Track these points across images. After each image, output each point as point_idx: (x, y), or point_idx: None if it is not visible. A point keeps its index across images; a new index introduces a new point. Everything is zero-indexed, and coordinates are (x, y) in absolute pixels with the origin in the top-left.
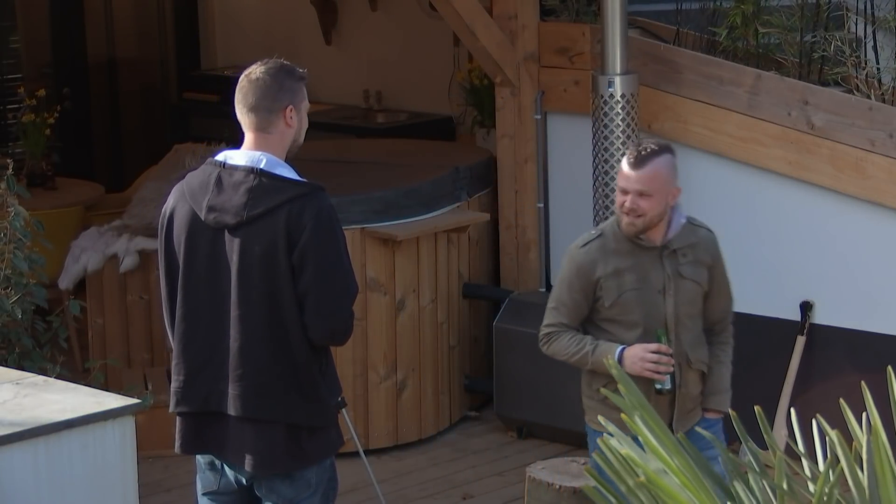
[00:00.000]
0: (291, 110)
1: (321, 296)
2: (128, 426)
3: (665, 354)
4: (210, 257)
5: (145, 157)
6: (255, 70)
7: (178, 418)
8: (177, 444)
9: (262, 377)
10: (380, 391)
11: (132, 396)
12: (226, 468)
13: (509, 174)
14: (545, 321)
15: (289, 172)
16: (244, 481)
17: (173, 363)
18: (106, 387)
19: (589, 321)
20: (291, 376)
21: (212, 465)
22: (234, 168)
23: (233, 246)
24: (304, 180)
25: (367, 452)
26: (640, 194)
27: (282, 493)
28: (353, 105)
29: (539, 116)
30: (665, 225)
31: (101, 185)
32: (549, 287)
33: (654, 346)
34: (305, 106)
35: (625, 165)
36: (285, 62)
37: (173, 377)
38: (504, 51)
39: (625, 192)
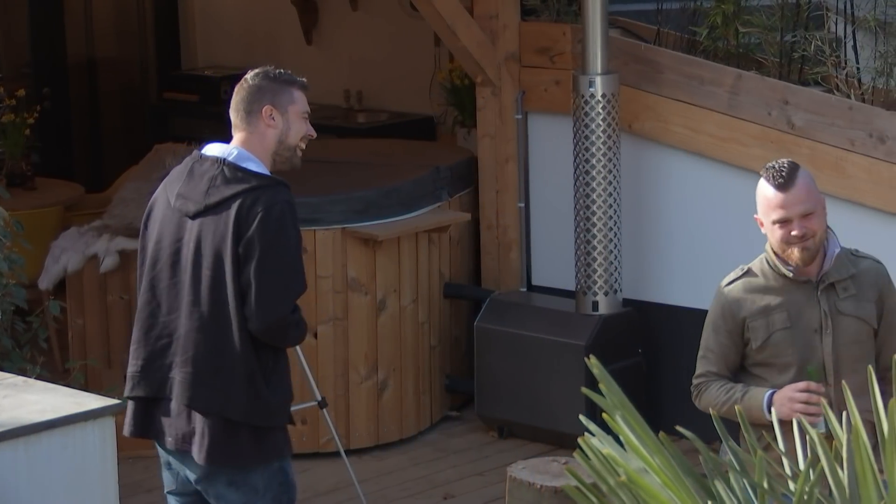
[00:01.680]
0: (271, 110)
1: (260, 289)
2: (108, 427)
3: (815, 393)
4: (173, 244)
5: (125, 157)
6: (247, 75)
7: (130, 402)
8: (126, 427)
9: (202, 365)
10: (361, 391)
11: (112, 397)
12: (180, 468)
13: (490, 174)
14: (695, 372)
15: (256, 167)
16: (192, 482)
17: (132, 347)
18: (86, 387)
19: (741, 369)
20: (230, 368)
21: (168, 465)
22: (206, 158)
23: (191, 233)
24: (268, 174)
25: (348, 452)
26: (804, 215)
27: (228, 499)
28: (334, 105)
29: (520, 116)
30: (821, 255)
31: (81, 185)
32: (530, 287)
33: (802, 384)
34: (296, 110)
35: (771, 192)
36: (279, 70)
37: (131, 361)
38: (485, 50)
39: (785, 221)
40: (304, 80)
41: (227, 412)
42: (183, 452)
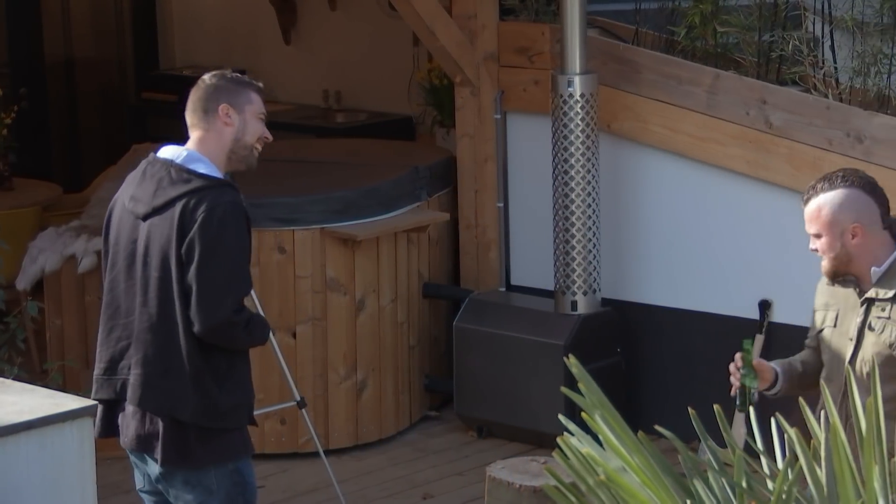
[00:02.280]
0: (227, 108)
1: (200, 290)
2: (86, 427)
3: (736, 367)
4: (129, 245)
5: (103, 157)
6: (203, 77)
7: (99, 405)
8: (95, 429)
9: (152, 367)
10: (340, 391)
11: (90, 398)
12: (136, 465)
13: (469, 174)
14: None
15: (204, 168)
16: (153, 479)
17: (97, 350)
18: (64, 388)
19: None
20: (178, 369)
21: (136, 464)
22: (157, 160)
23: (142, 235)
24: (215, 176)
25: (328, 452)
26: (814, 235)
27: (185, 499)
28: (313, 105)
29: (499, 116)
30: (871, 269)
31: (59, 185)
32: (509, 287)
33: (738, 355)
34: (252, 110)
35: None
36: (235, 73)
37: (96, 364)
38: (464, 50)
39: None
40: (261, 84)
41: (175, 413)
42: (139, 453)
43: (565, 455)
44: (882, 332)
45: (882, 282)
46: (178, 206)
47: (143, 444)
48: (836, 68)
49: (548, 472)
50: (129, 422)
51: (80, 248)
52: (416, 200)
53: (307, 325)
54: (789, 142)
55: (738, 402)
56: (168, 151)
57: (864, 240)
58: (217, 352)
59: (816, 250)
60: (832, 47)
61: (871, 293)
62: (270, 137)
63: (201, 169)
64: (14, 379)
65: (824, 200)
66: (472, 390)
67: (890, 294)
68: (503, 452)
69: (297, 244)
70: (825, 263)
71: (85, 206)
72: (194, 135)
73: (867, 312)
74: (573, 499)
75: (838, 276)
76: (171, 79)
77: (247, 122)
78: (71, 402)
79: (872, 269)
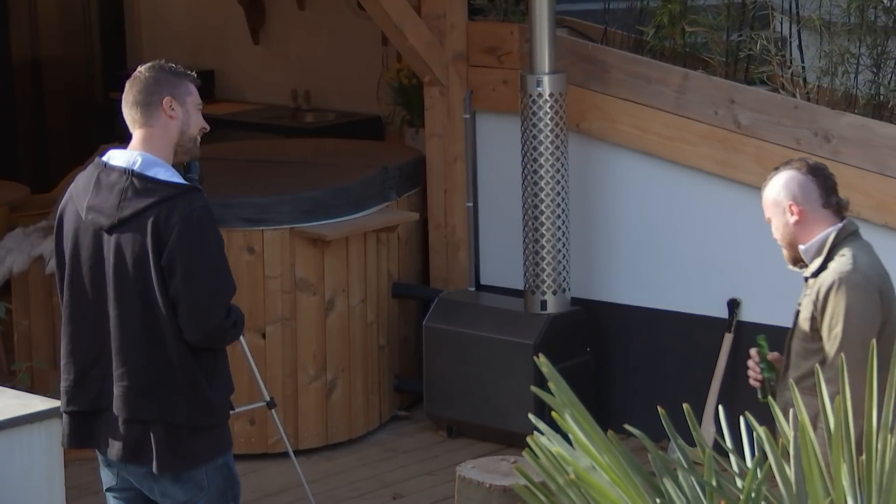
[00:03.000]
0: (170, 101)
1: (191, 299)
2: (54, 429)
3: (755, 361)
4: (92, 257)
5: (71, 158)
6: (137, 70)
7: (65, 416)
8: (64, 439)
9: (140, 378)
10: (309, 391)
11: (59, 399)
12: (118, 468)
13: (438, 173)
14: None
15: (164, 173)
16: (136, 484)
17: (62, 362)
18: (32, 389)
19: None
20: (170, 376)
21: (108, 463)
22: (112, 168)
23: (109, 247)
24: (178, 181)
25: (297, 453)
26: (768, 220)
27: (174, 496)
28: (282, 105)
29: (468, 116)
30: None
31: (27, 185)
32: (478, 286)
33: (753, 350)
34: (193, 101)
35: None
36: (171, 63)
37: (63, 376)
38: (432, 50)
39: None
40: (195, 73)
41: (171, 418)
42: (127, 462)
43: (535, 454)
44: (804, 309)
45: (810, 259)
46: (149, 218)
47: (134, 454)
48: (803, 68)
49: (518, 472)
50: (113, 433)
51: (48, 249)
52: (386, 200)
53: (276, 326)
54: (757, 141)
55: (760, 395)
56: (119, 157)
57: (802, 218)
58: (206, 353)
59: (775, 236)
60: (800, 47)
61: (805, 272)
62: (208, 127)
63: (162, 175)
64: None
65: (769, 185)
66: (442, 390)
67: (811, 272)
68: (473, 452)
69: (266, 244)
70: (784, 252)
71: (53, 206)
72: (139, 133)
73: (801, 292)
74: (543, 498)
75: (797, 262)
76: None
77: (189, 114)
78: (39, 403)
79: (800, 247)
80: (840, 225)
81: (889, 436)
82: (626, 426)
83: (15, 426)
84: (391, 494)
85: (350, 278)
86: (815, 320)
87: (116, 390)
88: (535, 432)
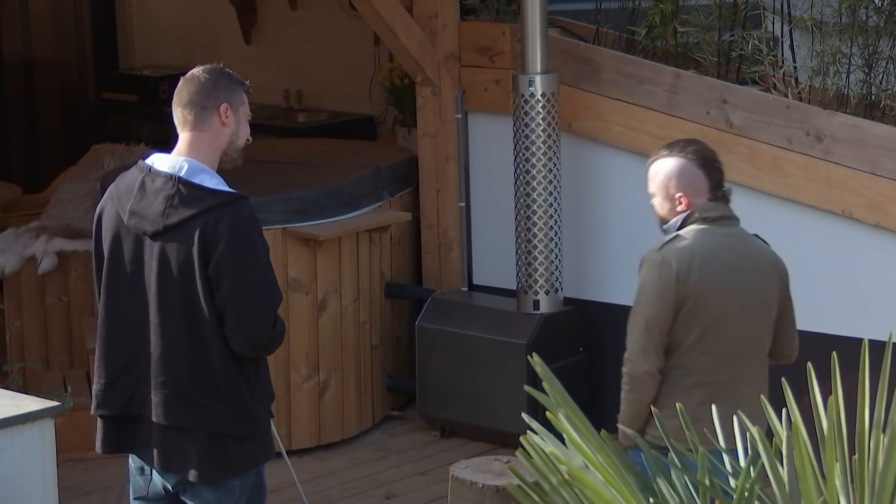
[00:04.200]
0: (227, 108)
1: (239, 309)
2: (47, 429)
3: None
4: (133, 262)
5: (63, 158)
6: (194, 70)
7: (98, 420)
8: (97, 444)
9: (182, 385)
10: (302, 391)
11: (51, 399)
12: (154, 474)
13: (430, 173)
14: None
15: (211, 180)
16: (171, 487)
17: (95, 365)
18: (24, 389)
19: None
20: (213, 385)
21: (141, 471)
22: (158, 173)
23: (152, 253)
24: (225, 190)
25: (290, 453)
26: (650, 194)
27: (205, 499)
28: (274, 104)
29: (460, 115)
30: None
31: (18, 185)
32: (471, 286)
33: None
34: (244, 111)
35: None
36: (228, 69)
37: (95, 379)
38: (424, 50)
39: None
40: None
41: (215, 426)
42: (166, 470)
43: (528, 454)
44: None
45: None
46: (196, 226)
47: (174, 462)
48: (795, 68)
49: (511, 472)
50: (152, 441)
51: (40, 250)
52: (378, 200)
53: None
54: (749, 141)
55: None
56: (165, 163)
57: (688, 208)
58: (248, 360)
59: (654, 206)
60: (791, 47)
61: None
62: (251, 139)
63: (208, 183)
64: None
65: (662, 166)
66: (435, 390)
67: None
68: (466, 452)
69: None
70: (658, 220)
71: (44, 206)
72: (187, 136)
73: None
74: (536, 498)
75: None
76: (131, 79)
77: (240, 124)
78: (32, 403)
79: (663, 227)
80: (686, 213)
81: (881, 435)
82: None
83: (7, 426)
84: (384, 494)
85: (343, 278)
86: None
87: (156, 397)
88: (528, 432)
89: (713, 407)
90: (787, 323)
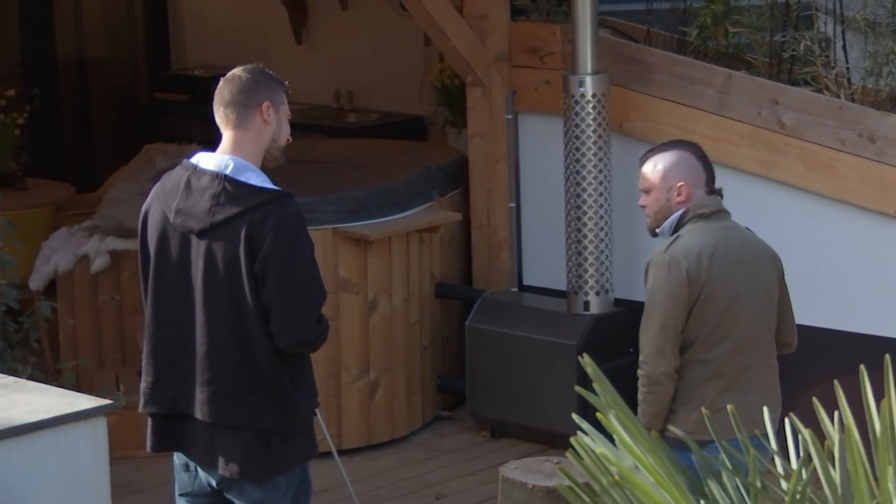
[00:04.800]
0: (269, 106)
1: (285, 306)
2: (100, 427)
3: None
4: (179, 260)
5: (116, 158)
6: (234, 70)
7: (148, 418)
8: (148, 442)
9: (228, 383)
10: (352, 391)
11: (104, 397)
12: (199, 470)
13: (481, 174)
14: None
15: (256, 178)
16: (215, 484)
17: (143, 363)
18: (78, 388)
19: None
20: (259, 382)
21: (186, 467)
22: (203, 172)
23: (198, 251)
24: (270, 187)
25: (340, 453)
26: (644, 191)
27: (250, 497)
28: (324, 105)
29: (510, 116)
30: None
31: (72, 185)
32: (521, 286)
33: None
34: (285, 110)
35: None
36: (268, 69)
37: (143, 377)
38: (475, 50)
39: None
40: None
41: (260, 424)
42: (212, 467)
43: (579, 455)
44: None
45: (665, 237)
46: (243, 224)
47: (220, 459)
48: (848, 68)
49: (561, 472)
50: (198, 439)
51: (93, 248)
52: (428, 200)
53: None
54: (801, 142)
55: None
56: (210, 161)
57: (687, 199)
58: (292, 357)
59: (644, 206)
60: (844, 47)
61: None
62: (291, 138)
63: (254, 180)
64: (28, 379)
65: (660, 158)
66: (485, 390)
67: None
68: (516, 452)
69: None
70: (648, 220)
71: (97, 206)
72: (230, 135)
73: None
74: (587, 499)
75: (656, 233)
76: (183, 79)
77: (281, 122)
78: (85, 401)
79: (656, 230)
80: (682, 210)
81: None
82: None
83: (61, 424)
84: (434, 495)
85: (393, 278)
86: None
87: (202, 395)
88: (578, 433)
89: (764, 410)
90: (785, 312)
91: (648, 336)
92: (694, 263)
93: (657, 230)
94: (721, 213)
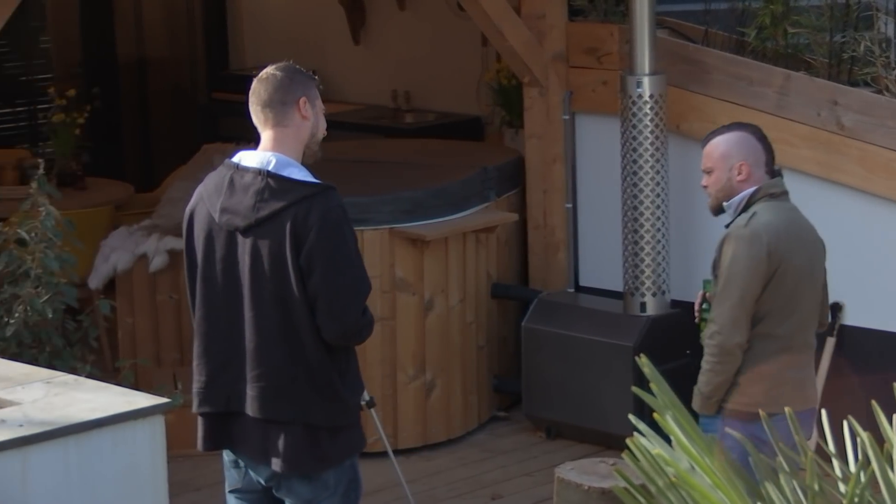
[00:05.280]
0: (305, 102)
1: (330, 298)
2: (157, 425)
3: (698, 302)
4: (225, 259)
5: (174, 157)
6: (267, 70)
7: (200, 418)
8: (199, 442)
9: (278, 378)
10: (408, 391)
11: (162, 396)
12: (249, 467)
13: (537, 174)
14: None
15: (299, 173)
16: (263, 481)
17: (194, 363)
18: (136, 386)
19: None
20: (308, 377)
21: (236, 464)
22: (246, 170)
23: (244, 248)
24: (313, 181)
25: (396, 452)
26: (706, 171)
27: (300, 494)
28: (382, 105)
29: (567, 116)
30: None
31: (131, 184)
32: (577, 287)
33: (699, 293)
34: (320, 105)
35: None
36: (298, 66)
37: (195, 378)
38: (532, 51)
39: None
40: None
41: (310, 418)
42: (262, 463)
43: (635, 456)
44: (715, 254)
45: (731, 215)
46: (287, 218)
47: (269, 455)
48: None
49: (617, 474)
50: (248, 435)
51: (152, 248)
52: (485, 201)
53: (376, 326)
54: (861, 143)
55: (701, 335)
56: (252, 159)
57: (747, 178)
58: (339, 352)
59: (706, 187)
60: None
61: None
62: (326, 132)
63: (296, 175)
64: (87, 377)
65: (721, 139)
66: (541, 391)
67: (726, 224)
68: (572, 453)
69: (366, 244)
70: (710, 199)
71: (156, 205)
72: (270, 133)
73: None
74: (642, 500)
75: (719, 211)
76: (242, 79)
77: (318, 116)
78: (143, 399)
79: (724, 203)
80: (754, 188)
81: None
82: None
83: (119, 422)
84: (490, 495)
85: (449, 278)
86: (716, 266)
87: (252, 391)
88: (634, 434)
89: (822, 412)
90: (825, 292)
91: (725, 307)
92: (773, 239)
93: (725, 204)
94: (787, 194)
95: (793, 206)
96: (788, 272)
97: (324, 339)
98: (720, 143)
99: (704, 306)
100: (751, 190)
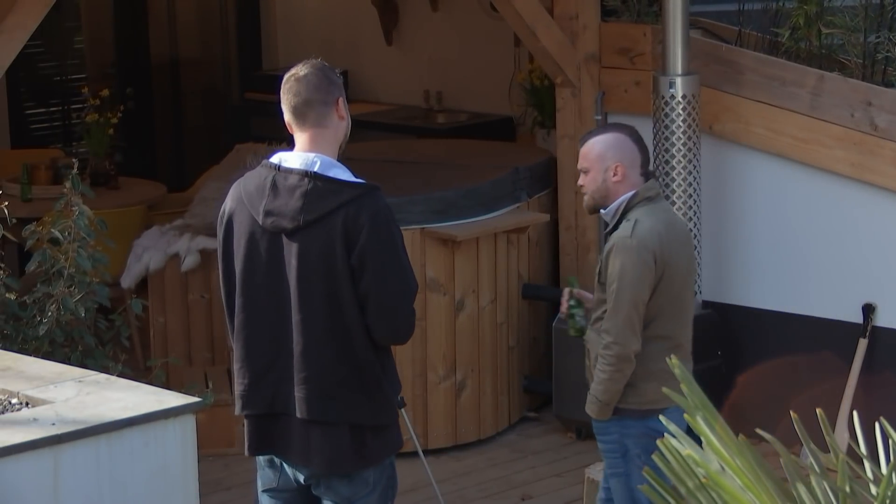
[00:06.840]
0: (343, 101)
1: (382, 296)
2: (189, 424)
3: (565, 298)
4: (269, 262)
5: (207, 157)
6: (300, 69)
7: (245, 421)
8: (246, 446)
9: (326, 379)
10: (439, 391)
11: (193, 395)
12: (285, 466)
13: (569, 175)
14: None
15: (343, 173)
16: (302, 480)
17: (236, 367)
18: (167, 385)
19: None
20: (355, 377)
21: (271, 463)
22: (289, 171)
23: (291, 250)
24: (359, 181)
25: (426, 452)
26: (582, 171)
27: (339, 492)
28: (414, 105)
29: (600, 117)
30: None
31: (164, 184)
32: None
33: (565, 289)
34: (346, 103)
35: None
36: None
37: (237, 381)
38: (564, 51)
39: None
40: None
41: (358, 419)
42: (307, 465)
43: (665, 457)
44: (598, 264)
45: (609, 220)
46: (338, 218)
47: (315, 456)
48: None
49: (647, 475)
50: (293, 434)
51: (184, 247)
52: (517, 201)
53: None
54: (895, 144)
55: (570, 329)
56: (294, 160)
57: (622, 179)
58: (383, 350)
59: (582, 186)
60: None
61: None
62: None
63: (342, 175)
64: (118, 376)
65: (597, 140)
66: (572, 392)
67: (608, 230)
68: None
69: None
70: (586, 198)
71: (188, 205)
72: (309, 133)
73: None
74: (673, 501)
75: (595, 211)
76: (274, 79)
77: (349, 117)
78: (174, 399)
79: (601, 211)
80: (633, 192)
81: None
82: (758, 430)
83: (150, 421)
84: (520, 495)
85: (480, 279)
86: (601, 274)
87: (300, 393)
88: (665, 434)
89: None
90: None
91: (619, 317)
92: (657, 245)
93: (602, 211)
94: (661, 196)
95: (668, 207)
96: (672, 274)
97: (372, 338)
98: (596, 144)
99: (572, 302)
100: (629, 195)
